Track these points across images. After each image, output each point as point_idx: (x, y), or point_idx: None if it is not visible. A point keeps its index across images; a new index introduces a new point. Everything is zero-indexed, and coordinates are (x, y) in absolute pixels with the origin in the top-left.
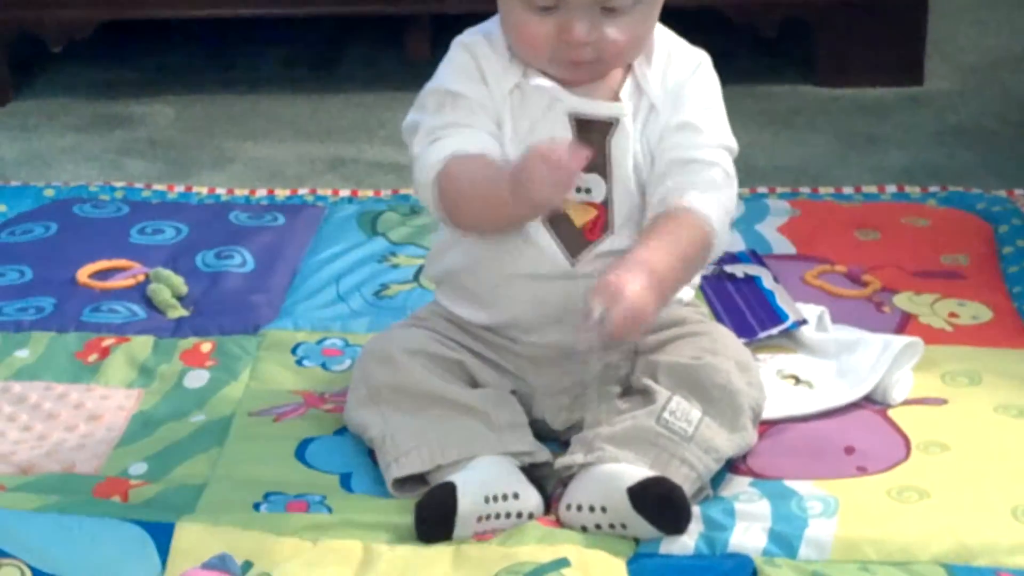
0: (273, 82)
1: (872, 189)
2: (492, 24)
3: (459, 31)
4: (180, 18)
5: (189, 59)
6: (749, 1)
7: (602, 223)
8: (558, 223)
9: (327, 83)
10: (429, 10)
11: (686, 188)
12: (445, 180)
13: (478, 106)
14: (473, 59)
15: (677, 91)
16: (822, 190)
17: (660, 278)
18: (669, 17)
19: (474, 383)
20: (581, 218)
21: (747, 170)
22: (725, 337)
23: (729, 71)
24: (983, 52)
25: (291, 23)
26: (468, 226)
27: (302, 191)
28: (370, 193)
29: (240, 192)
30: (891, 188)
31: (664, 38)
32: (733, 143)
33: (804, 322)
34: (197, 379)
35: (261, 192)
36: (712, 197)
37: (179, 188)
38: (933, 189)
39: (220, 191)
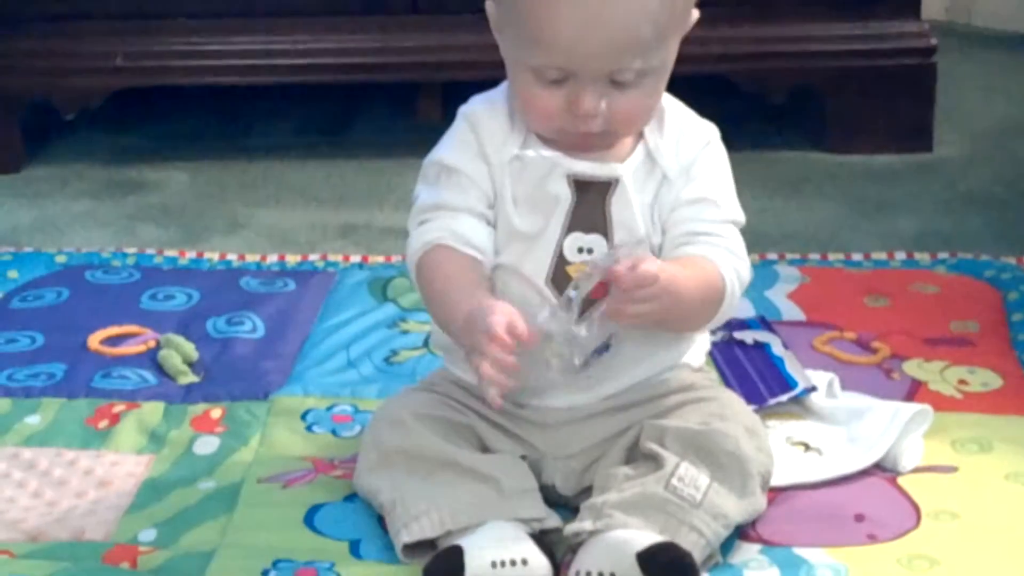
0: (285, 148)
1: (881, 255)
2: (497, 92)
3: (470, 96)
4: (193, 86)
5: (202, 126)
6: (758, 68)
7: (604, 284)
8: (561, 285)
9: (339, 149)
10: (441, 77)
11: (699, 249)
12: (421, 268)
13: (470, 183)
14: (473, 131)
15: (690, 165)
16: (831, 256)
17: (676, 285)
18: (679, 83)
19: (484, 448)
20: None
21: (756, 236)
22: (734, 403)
23: (738, 137)
24: (992, 119)
25: (303, 89)
26: (431, 315)
27: (313, 257)
28: (381, 259)
29: (251, 258)
30: (900, 255)
31: (676, 110)
32: (741, 217)
33: (814, 389)
34: (207, 445)
35: (272, 258)
36: (726, 258)
37: (191, 254)
38: (942, 256)
39: (231, 257)
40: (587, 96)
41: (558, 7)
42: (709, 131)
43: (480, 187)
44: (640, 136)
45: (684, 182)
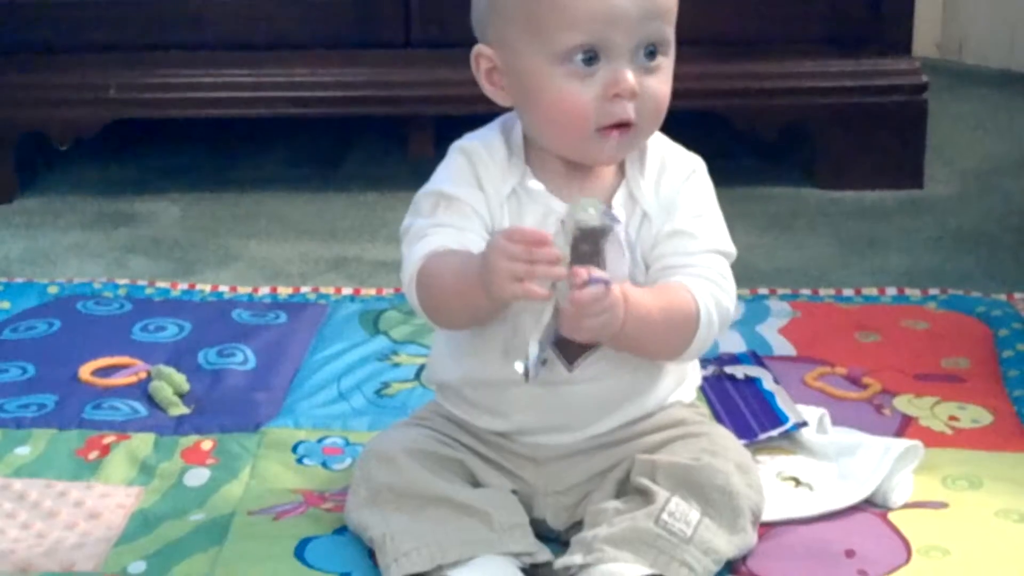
0: (277, 181)
1: (872, 291)
2: (490, 129)
3: (462, 131)
4: (186, 118)
5: (194, 158)
6: (750, 105)
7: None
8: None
9: (331, 182)
10: (433, 112)
11: (674, 278)
12: (424, 275)
13: (472, 211)
14: (470, 164)
15: (670, 199)
16: (823, 292)
17: (634, 302)
18: (671, 119)
19: (475, 482)
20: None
21: (748, 271)
22: (725, 438)
23: (730, 174)
24: (983, 157)
25: (296, 122)
26: (447, 323)
27: (305, 289)
28: (372, 292)
29: (243, 290)
30: (891, 291)
31: (658, 145)
32: (730, 247)
33: (804, 424)
34: (197, 477)
35: (264, 290)
36: (701, 285)
37: (182, 285)
38: (933, 292)
39: (223, 289)
40: (626, 71)
41: None
42: (692, 163)
43: (480, 215)
44: (622, 175)
45: (665, 217)
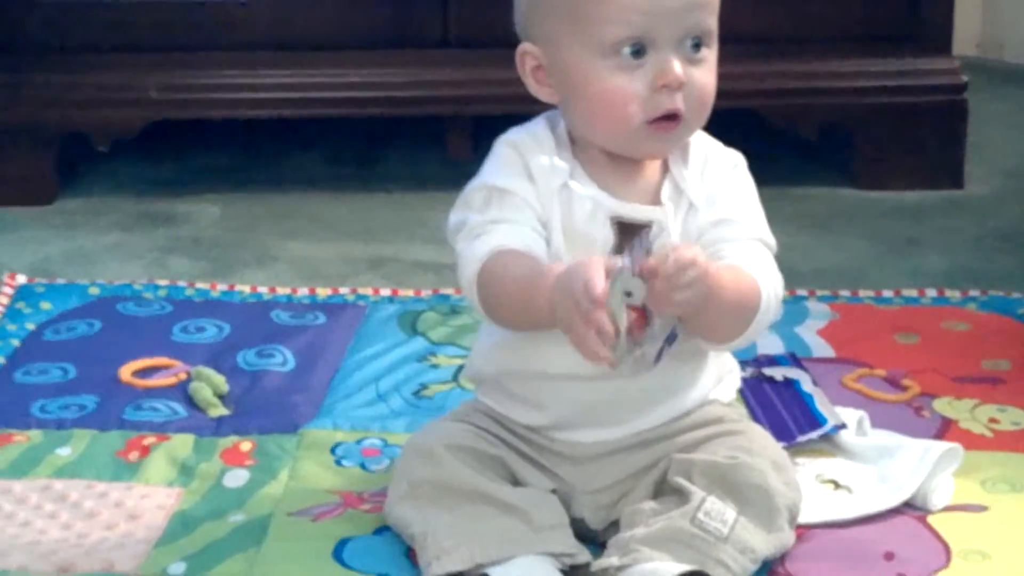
0: (316, 181)
1: (912, 292)
2: (535, 124)
3: (499, 132)
4: (225, 119)
5: (233, 158)
6: (789, 104)
7: (641, 325)
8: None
9: (369, 182)
10: (471, 112)
11: (733, 257)
12: (486, 276)
13: (524, 203)
14: (520, 156)
15: (715, 190)
16: (862, 293)
17: (715, 280)
18: (710, 118)
19: (515, 480)
20: (626, 321)
21: (786, 272)
22: (761, 437)
23: (768, 173)
24: (1023, 157)
25: (334, 123)
26: (506, 324)
27: (343, 290)
28: (410, 293)
29: (282, 291)
30: (931, 292)
31: (700, 140)
32: (771, 239)
33: (843, 426)
34: (236, 478)
35: (303, 291)
36: (760, 267)
37: (222, 286)
38: (973, 293)
39: (262, 290)
40: (672, 61)
41: None
42: (734, 157)
43: (533, 207)
44: (666, 170)
45: (710, 207)
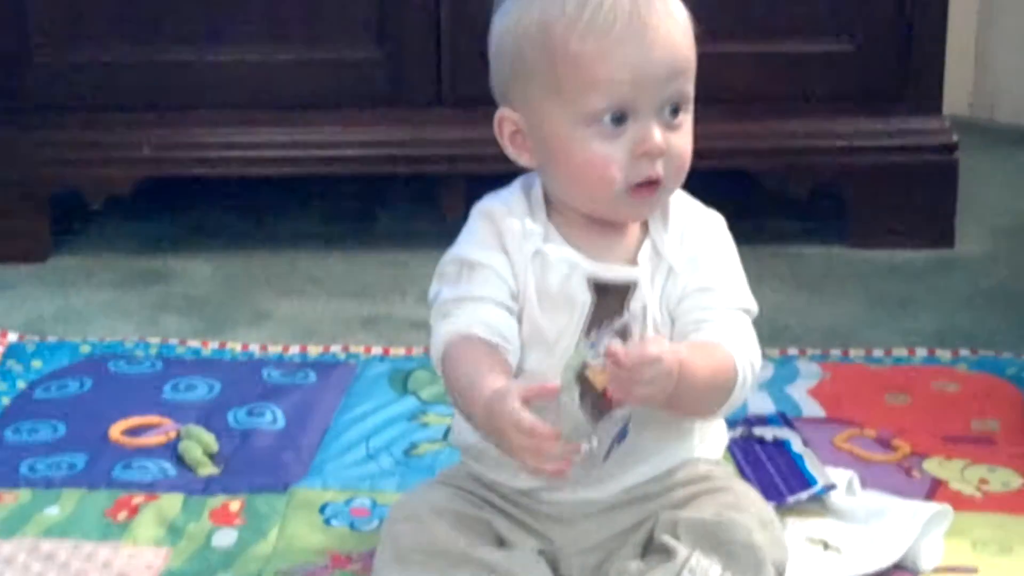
0: (310, 239)
1: (903, 352)
2: (511, 190)
3: (493, 189)
4: (218, 177)
5: (227, 216)
6: (780, 163)
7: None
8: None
9: (363, 241)
10: (464, 170)
11: (709, 334)
12: (445, 363)
13: (495, 276)
14: (493, 225)
15: (695, 255)
16: (852, 352)
17: (685, 367)
18: (701, 178)
19: (501, 542)
20: (602, 381)
21: (778, 331)
22: (748, 494)
23: (761, 233)
24: (1015, 215)
25: (328, 181)
26: (458, 410)
27: (334, 348)
28: (402, 351)
29: (273, 349)
30: (922, 351)
31: (680, 202)
32: (753, 305)
33: (833, 487)
34: (225, 538)
35: (294, 349)
36: (740, 346)
37: (213, 345)
38: (964, 353)
39: (253, 348)
40: (653, 129)
41: (616, 40)
42: (714, 219)
43: (503, 279)
44: (646, 230)
45: (690, 272)
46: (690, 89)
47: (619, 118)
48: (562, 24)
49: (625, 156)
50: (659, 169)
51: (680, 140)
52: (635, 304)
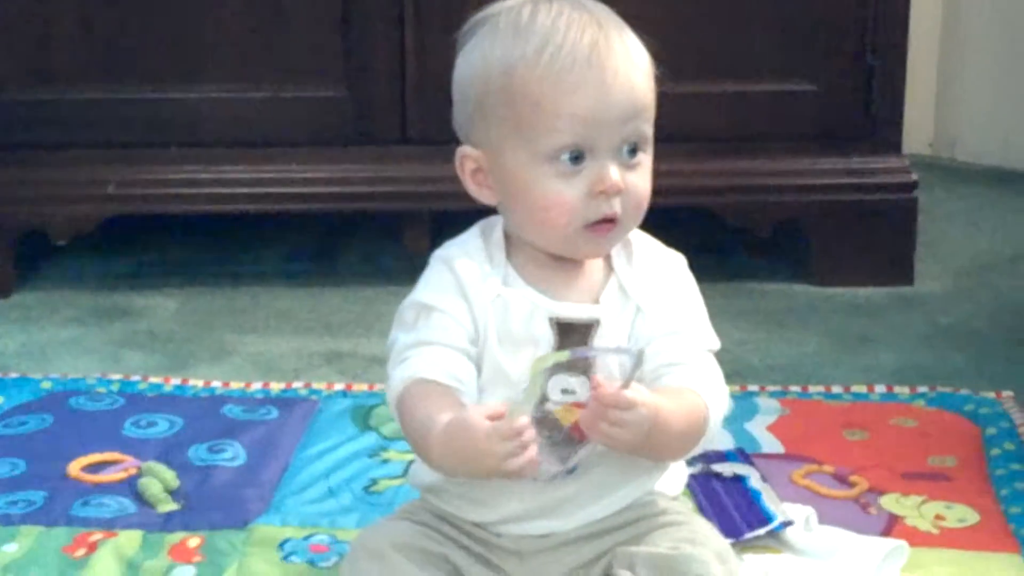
0: (274, 275)
1: (861, 389)
2: (470, 235)
3: (459, 226)
4: (185, 214)
5: (192, 252)
6: (742, 202)
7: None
8: (548, 427)
9: (327, 276)
10: (429, 207)
11: (683, 378)
12: (400, 408)
13: (452, 321)
14: (451, 272)
15: (661, 295)
16: (812, 389)
17: (661, 417)
18: (664, 215)
19: None
20: (568, 419)
21: (739, 367)
22: (705, 529)
23: (723, 270)
24: (974, 254)
25: (293, 217)
26: (414, 451)
27: (297, 384)
28: (364, 387)
29: (236, 385)
30: (880, 388)
31: (642, 242)
32: (716, 343)
33: (791, 523)
34: (184, 575)
35: (256, 385)
36: (709, 389)
37: (175, 381)
38: (922, 390)
39: (215, 384)
40: (610, 168)
41: (575, 81)
42: (677, 260)
43: (461, 324)
44: (610, 269)
45: (657, 313)
46: (648, 129)
47: (577, 157)
48: (522, 65)
49: (582, 195)
50: (616, 208)
51: (638, 179)
52: (599, 343)
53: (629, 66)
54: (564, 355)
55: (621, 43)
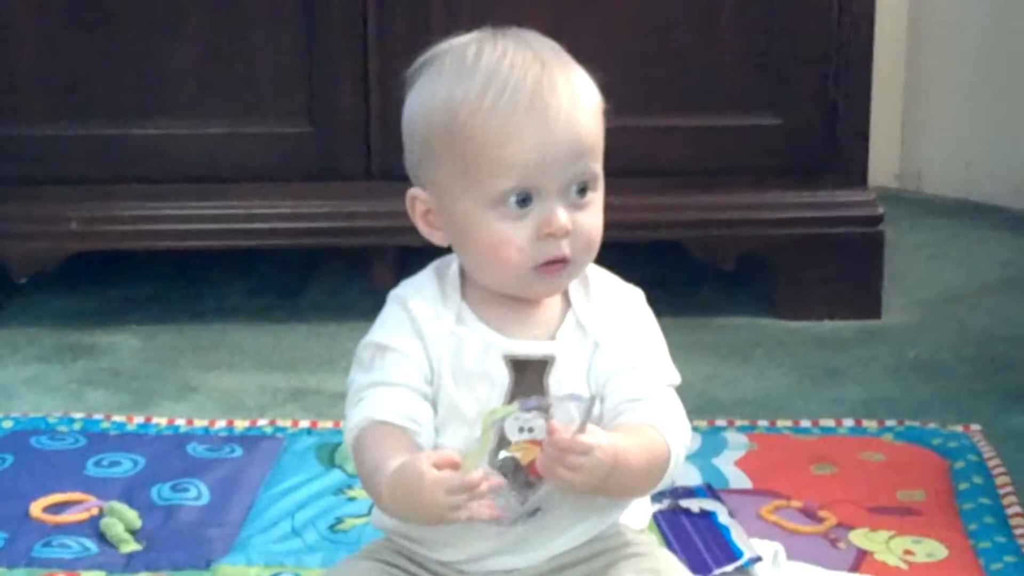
0: (239, 312)
1: (830, 423)
2: (423, 275)
3: (424, 261)
4: (148, 250)
5: (156, 289)
6: (708, 235)
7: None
8: (504, 466)
9: (293, 313)
10: (395, 242)
11: (643, 415)
12: (358, 447)
13: (407, 360)
14: (405, 311)
15: (620, 331)
16: (780, 423)
17: (620, 456)
18: (629, 249)
19: None
20: (527, 457)
21: (706, 402)
22: (669, 560)
23: (689, 303)
24: (940, 287)
25: (257, 253)
26: (368, 493)
27: (261, 422)
28: (330, 424)
29: (199, 423)
30: (848, 422)
31: (600, 277)
32: (677, 378)
33: (759, 559)
34: None
35: (220, 423)
36: (671, 426)
37: (138, 419)
38: (890, 423)
39: (179, 422)
40: (557, 211)
41: (518, 123)
42: (635, 295)
43: (416, 364)
44: (568, 305)
45: (616, 348)
46: (597, 167)
47: (524, 200)
48: (466, 107)
49: (530, 237)
50: (565, 249)
51: (587, 218)
52: (554, 380)
53: (573, 105)
54: (512, 408)
55: (566, 82)
